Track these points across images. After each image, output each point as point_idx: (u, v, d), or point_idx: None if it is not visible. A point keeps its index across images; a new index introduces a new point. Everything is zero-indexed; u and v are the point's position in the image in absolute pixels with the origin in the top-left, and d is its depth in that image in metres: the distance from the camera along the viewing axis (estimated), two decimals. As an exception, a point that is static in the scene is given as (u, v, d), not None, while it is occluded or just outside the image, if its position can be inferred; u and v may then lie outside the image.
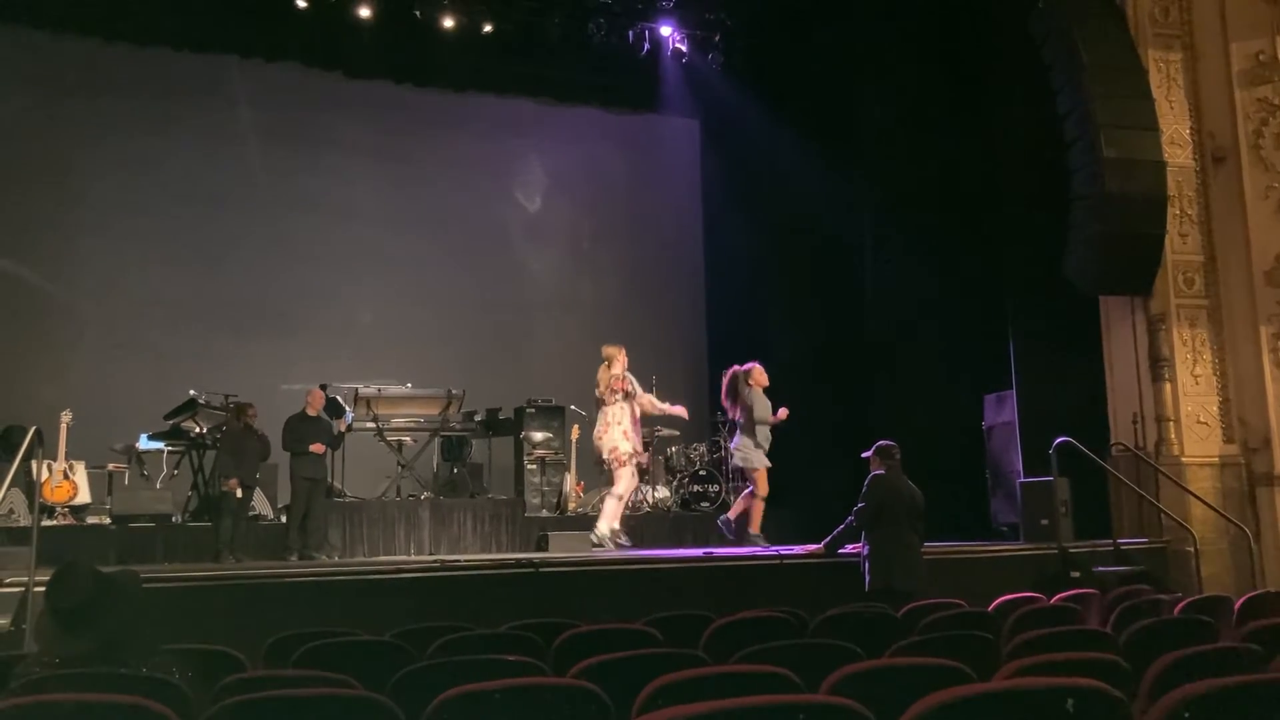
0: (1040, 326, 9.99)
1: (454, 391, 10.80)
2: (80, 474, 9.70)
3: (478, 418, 11.26)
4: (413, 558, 9.27)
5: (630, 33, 13.00)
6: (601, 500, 9.48)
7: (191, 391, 10.09)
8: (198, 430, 9.90)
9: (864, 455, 7.24)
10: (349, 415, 10.27)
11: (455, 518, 10.14)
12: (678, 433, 11.75)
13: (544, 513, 10.98)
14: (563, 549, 9.04)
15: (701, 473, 11.68)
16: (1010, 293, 10.40)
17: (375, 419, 10.50)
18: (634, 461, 9.04)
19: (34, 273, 11.65)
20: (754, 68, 13.23)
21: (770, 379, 8.94)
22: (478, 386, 11.23)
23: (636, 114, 14.35)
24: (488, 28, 12.62)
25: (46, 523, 8.93)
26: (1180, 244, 9.09)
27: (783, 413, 8.80)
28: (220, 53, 12.43)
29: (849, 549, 7.31)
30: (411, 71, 13.13)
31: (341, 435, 9.77)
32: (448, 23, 12.41)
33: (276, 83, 12.63)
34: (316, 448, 9.10)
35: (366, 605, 6.43)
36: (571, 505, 11.02)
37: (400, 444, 10.71)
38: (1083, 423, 8.95)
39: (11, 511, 9.16)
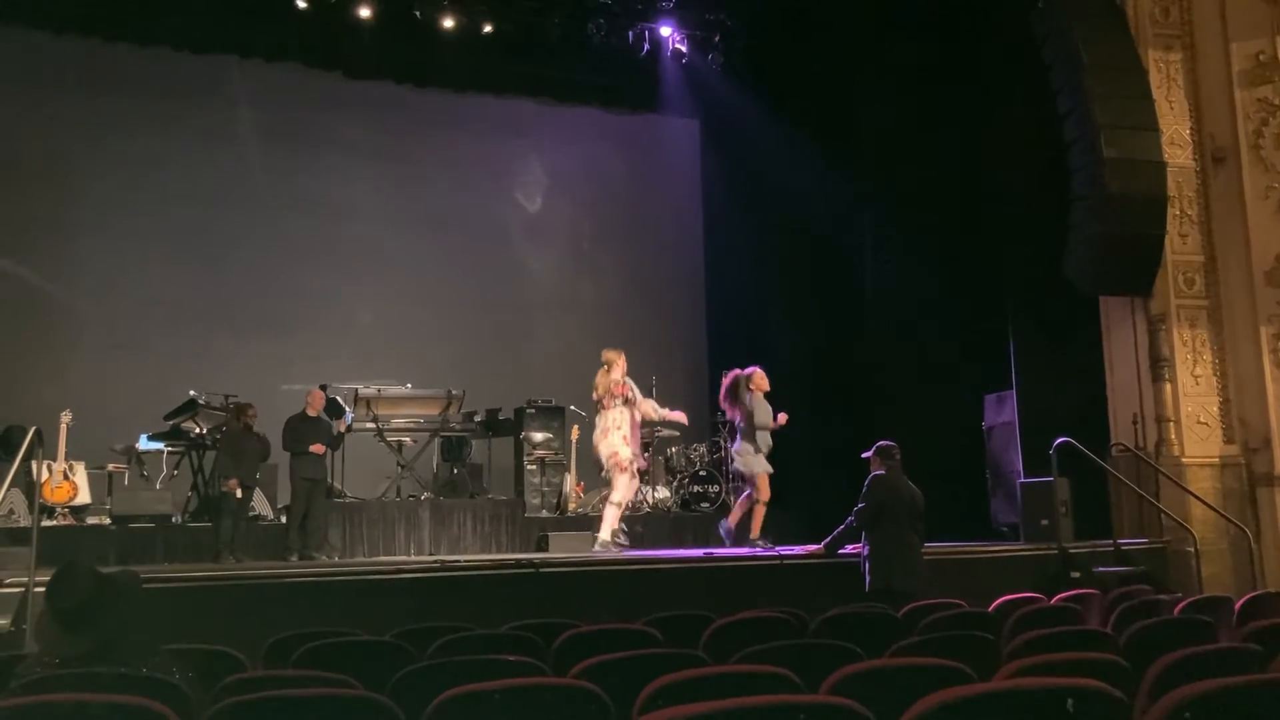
0: (1040, 326, 10.00)
1: (454, 392, 10.80)
2: (80, 474, 9.70)
3: (478, 418, 11.26)
4: (413, 558, 9.26)
5: (630, 33, 12.97)
6: (601, 503, 9.47)
7: (191, 392, 10.09)
8: (198, 431, 9.90)
9: (864, 455, 7.25)
10: (349, 415, 10.26)
11: (455, 518, 10.13)
12: (678, 433, 11.73)
13: (544, 513, 10.98)
14: (563, 549, 9.05)
15: (702, 473, 11.67)
16: (1010, 293, 10.40)
17: (375, 419, 10.50)
18: (634, 466, 9.01)
19: (34, 273, 11.64)
20: (754, 68, 13.20)
21: (770, 379, 8.92)
22: (478, 387, 11.22)
23: (636, 114, 14.33)
24: (488, 28, 12.60)
25: (46, 523, 8.92)
26: (1180, 244, 9.09)
27: (782, 418, 8.76)
28: (220, 53, 12.41)
29: (849, 549, 7.31)
30: (411, 71, 13.13)
31: (341, 435, 9.76)
32: (448, 23, 12.39)
33: (276, 83, 12.61)
34: (316, 448, 9.10)
35: (366, 605, 6.43)
36: (571, 506, 11.01)
37: (400, 444, 10.72)
38: (1083, 423, 8.96)
39: (11, 512, 9.16)
